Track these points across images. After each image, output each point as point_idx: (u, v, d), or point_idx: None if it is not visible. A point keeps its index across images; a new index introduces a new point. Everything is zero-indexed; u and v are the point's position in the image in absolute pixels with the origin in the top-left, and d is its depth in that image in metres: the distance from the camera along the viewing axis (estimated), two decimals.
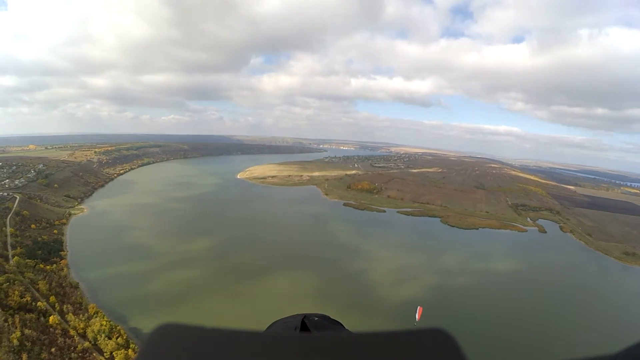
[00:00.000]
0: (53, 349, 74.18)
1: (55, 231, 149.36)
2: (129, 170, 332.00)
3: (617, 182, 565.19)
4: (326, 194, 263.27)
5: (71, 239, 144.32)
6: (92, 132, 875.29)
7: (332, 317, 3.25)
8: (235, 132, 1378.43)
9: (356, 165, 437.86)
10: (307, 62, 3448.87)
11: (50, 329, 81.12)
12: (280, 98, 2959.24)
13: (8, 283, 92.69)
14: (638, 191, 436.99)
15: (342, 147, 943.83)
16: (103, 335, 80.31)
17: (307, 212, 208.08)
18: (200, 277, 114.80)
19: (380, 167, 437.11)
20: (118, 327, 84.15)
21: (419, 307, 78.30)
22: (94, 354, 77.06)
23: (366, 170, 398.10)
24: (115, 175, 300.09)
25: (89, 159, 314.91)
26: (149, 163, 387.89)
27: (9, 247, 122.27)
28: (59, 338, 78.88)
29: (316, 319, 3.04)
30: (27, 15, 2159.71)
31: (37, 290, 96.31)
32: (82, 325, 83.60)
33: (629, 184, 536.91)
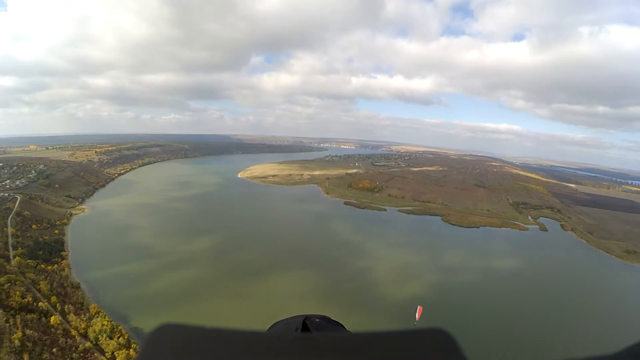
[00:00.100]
0: (54, 349, 74.14)
1: (56, 231, 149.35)
2: (130, 170, 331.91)
3: (618, 180, 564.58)
4: (327, 193, 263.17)
5: (72, 239, 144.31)
6: (93, 132, 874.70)
7: (333, 319, 3.24)
8: (236, 132, 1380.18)
9: (357, 164, 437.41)
10: (307, 61, 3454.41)
11: (52, 330, 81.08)
12: (280, 97, 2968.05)
13: (9, 283, 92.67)
14: (639, 189, 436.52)
15: (342, 146, 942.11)
16: (104, 335, 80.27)
17: (308, 211, 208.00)
18: (202, 276, 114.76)
19: (381, 165, 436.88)
20: (119, 327, 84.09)
21: (419, 306, 78.22)
22: (96, 354, 77.02)
23: (367, 169, 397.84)
24: (116, 175, 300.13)
25: (89, 159, 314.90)
26: (149, 163, 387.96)
27: (10, 248, 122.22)
28: (61, 338, 78.82)
29: (317, 320, 3.04)
30: (26, 16, 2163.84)
31: (39, 290, 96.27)
32: (83, 326, 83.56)
33: (630, 182, 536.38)
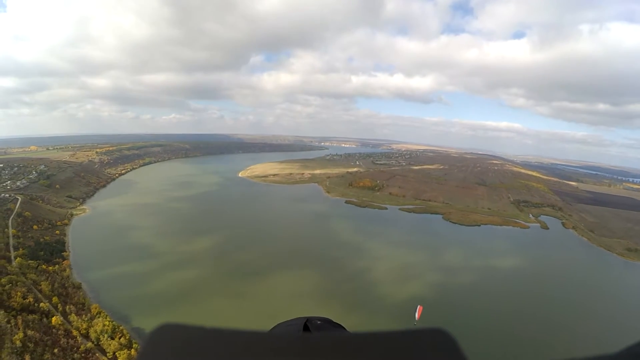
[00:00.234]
0: (56, 350, 74.23)
1: (57, 232, 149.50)
2: (131, 170, 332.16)
3: (619, 177, 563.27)
4: (328, 192, 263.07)
5: (73, 240, 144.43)
6: (93, 133, 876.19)
7: (335, 321, 3.20)
8: (236, 131, 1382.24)
9: (357, 163, 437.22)
10: (307, 60, 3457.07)
11: (53, 330, 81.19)
12: (280, 96, 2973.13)
13: (10, 284, 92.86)
14: None
15: (343, 145, 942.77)
16: (106, 335, 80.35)
17: (309, 210, 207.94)
18: (203, 276, 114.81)
19: (381, 164, 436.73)
20: (121, 327, 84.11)
21: (418, 306, 78.17)
22: (97, 355, 77.05)
23: (367, 167, 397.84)
24: (116, 175, 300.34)
25: (90, 159, 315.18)
26: (150, 163, 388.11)
27: (11, 249, 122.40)
28: (62, 339, 78.90)
29: (319, 322, 3.02)
30: (26, 17, 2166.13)
31: (40, 291, 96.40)
32: (84, 326, 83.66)
33: (630, 179, 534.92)
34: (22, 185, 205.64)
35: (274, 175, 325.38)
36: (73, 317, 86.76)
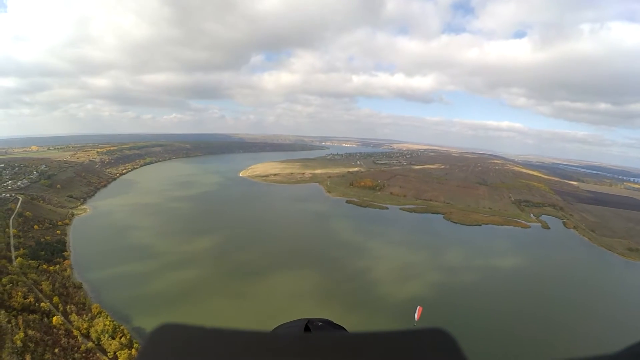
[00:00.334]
0: (56, 350, 74.26)
1: (58, 232, 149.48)
2: (132, 169, 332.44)
3: (620, 177, 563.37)
4: (329, 192, 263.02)
5: (74, 240, 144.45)
6: (94, 133, 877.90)
7: (336, 323, 3.19)
8: (237, 131, 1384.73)
9: (358, 163, 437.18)
10: (307, 60, 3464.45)
11: (54, 330, 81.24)
12: (281, 96, 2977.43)
13: (11, 284, 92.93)
14: None
15: (344, 145, 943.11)
16: (106, 335, 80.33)
17: (310, 210, 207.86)
18: (203, 276, 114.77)
19: (382, 164, 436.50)
20: (121, 327, 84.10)
21: (418, 307, 78.00)
22: (98, 354, 77.03)
23: (368, 167, 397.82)
24: (117, 175, 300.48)
25: (91, 159, 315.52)
26: (151, 162, 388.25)
27: (12, 248, 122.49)
28: (63, 338, 78.95)
29: (320, 323, 3.02)
30: (26, 17, 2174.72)
31: (41, 291, 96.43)
32: (85, 326, 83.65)
33: (631, 179, 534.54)
34: (23, 185, 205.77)
35: (275, 174, 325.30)
36: (74, 317, 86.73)
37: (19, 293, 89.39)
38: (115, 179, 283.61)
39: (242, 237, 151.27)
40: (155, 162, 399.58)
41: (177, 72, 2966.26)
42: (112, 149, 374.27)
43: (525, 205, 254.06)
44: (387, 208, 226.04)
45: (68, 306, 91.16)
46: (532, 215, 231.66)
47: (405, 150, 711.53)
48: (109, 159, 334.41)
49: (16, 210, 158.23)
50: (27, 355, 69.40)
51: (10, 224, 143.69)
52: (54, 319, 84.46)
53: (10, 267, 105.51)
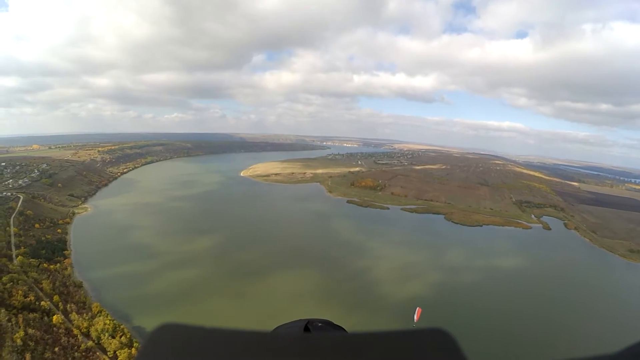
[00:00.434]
0: (56, 349, 74.23)
1: (59, 230, 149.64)
2: (133, 169, 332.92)
3: (621, 178, 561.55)
4: (330, 192, 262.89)
5: (75, 238, 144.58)
6: (95, 132, 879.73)
7: (336, 323, 3.19)
8: (238, 130, 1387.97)
9: (359, 163, 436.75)
10: (308, 59, 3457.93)
11: (54, 329, 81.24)
12: (282, 95, 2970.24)
13: (12, 283, 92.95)
14: None
15: (345, 144, 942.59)
16: (106, 334, 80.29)
17: (311, 210, 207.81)
18: (203, 276, 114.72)
19: (383, 164, 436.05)
20: (122, 326, 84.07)
21: (417, 308, 77.87)
22: (98, 353, 77.04)
23: (369, 167, 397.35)
24: (118, 174, 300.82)
25: (92, 158, 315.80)
26: (152, 162, 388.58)
27: (13, 247, 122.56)
28: (63, 337, 78.96)
29: (320, 324, 3.02)
30: (27, 17, 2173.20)
31: (41, 289, 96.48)
32: (85, 325, 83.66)
33: (633, 180, 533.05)
34: (24, 184, 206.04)
35: (276, 174, 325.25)
36: (74, 316, 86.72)
37: (20, 291, 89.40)
38: (116, 178, 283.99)
39: (242, 237, 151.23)
40: (157, 161, 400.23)
41: (178, 71, 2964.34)
42: (113, 148, 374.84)
43: (526, 206, 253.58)
44: (388, 208, 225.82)
45: (68, 305, 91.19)
46: (533, 216, 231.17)
47: (406, 151, 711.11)
48: (110, 158, 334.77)
49: (17, 208, 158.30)
50: (27, 354, 69.37)
51: (11, 222, 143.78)
52: (54, 317, 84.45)
53: (10, 266, 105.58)
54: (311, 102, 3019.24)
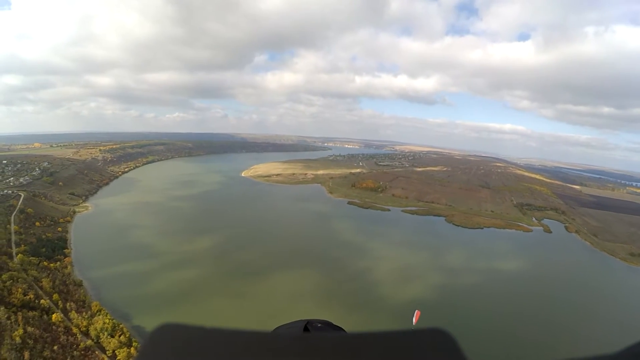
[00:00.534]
0: (55, 347, 74.06)
1: (59, 229, 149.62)
2: (134, 168, 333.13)
3: (623, 182, 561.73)
4: (331, 193, 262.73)
5: (75, 237, 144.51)
6: (97, 131, 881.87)
7: (335, 324, 3.19)
8: (240, 130, 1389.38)
9: (361, 164, 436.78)
10: (310, 59, 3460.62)
11: (53, 327, 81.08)
12: (284, 96, 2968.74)
13: (11, 281, 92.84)
14: None
15: (346, 146, 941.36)
16: (106, 333, 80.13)
17: (312, 211, 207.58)
18: (203, 276, 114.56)
19: (384, 165, 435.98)
20: (121, 325, 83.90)
21: (416, 311, 77.65)
22: (97, 352, 76.87)
23: (371, 168, 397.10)
24: (119, 173, 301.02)
25: (93, 157, 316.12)
26: (153, 161, 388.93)
27: (13, 245, 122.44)
28: (62, 336, 78.80)
29: (319, 324, 3.03)
30: (30, 15, 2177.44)
31: (41, 287, 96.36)
32: (84, 323, 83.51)
33: (634, 184, 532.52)
34: (25, 182, 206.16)
35: (277, 175, 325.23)
36: (73, 315, 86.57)
37: (19, 289, 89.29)
38: (117, 177, 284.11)
39: (243, 237, 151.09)
40: (158, 160, 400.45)
41: (180, 71, 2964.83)
42: (114, 147, 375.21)
43: (527, 208, 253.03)
44: (388, 210, 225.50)
45: (68, 303, 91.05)
46: (534, 218, 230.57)
47: (407, 152, 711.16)
48: (111, 157, 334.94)
49: (18, 206, 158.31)
50: (26, 352, 69.22)
51: (12, 220, 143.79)
52: (54, 316, 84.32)
53: (10, 264, 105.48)
54: (313, 103, 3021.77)
